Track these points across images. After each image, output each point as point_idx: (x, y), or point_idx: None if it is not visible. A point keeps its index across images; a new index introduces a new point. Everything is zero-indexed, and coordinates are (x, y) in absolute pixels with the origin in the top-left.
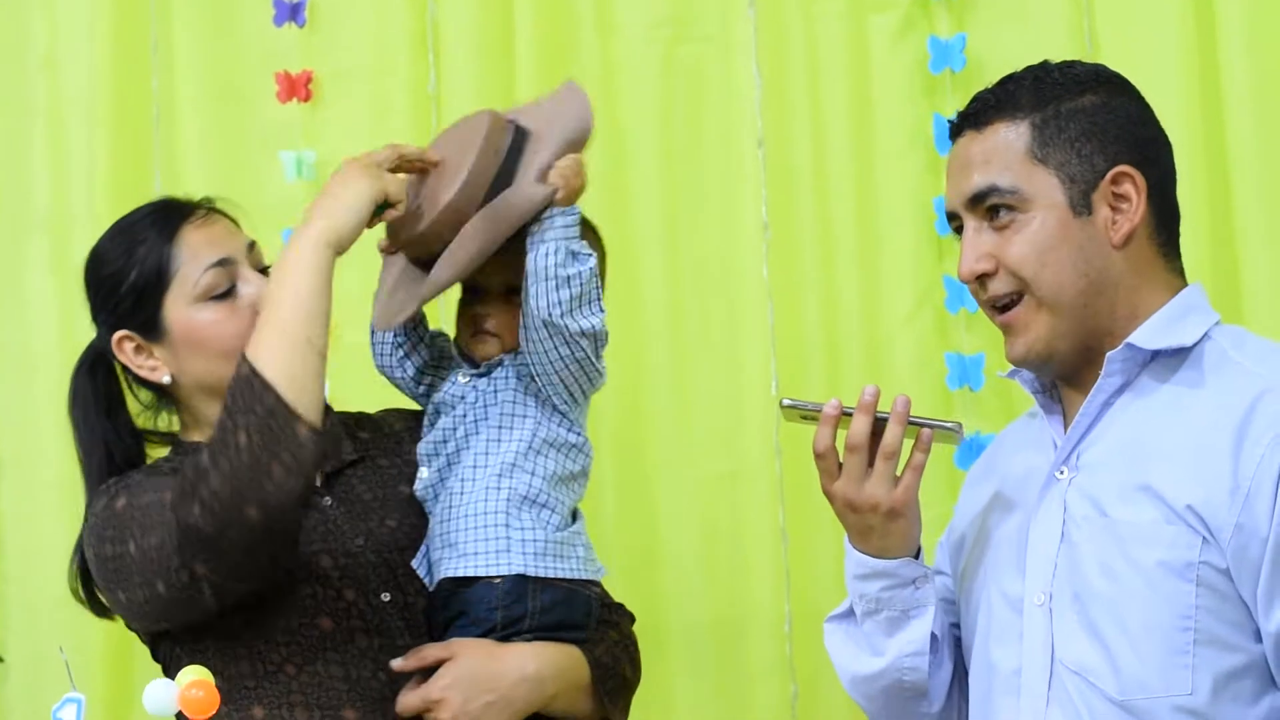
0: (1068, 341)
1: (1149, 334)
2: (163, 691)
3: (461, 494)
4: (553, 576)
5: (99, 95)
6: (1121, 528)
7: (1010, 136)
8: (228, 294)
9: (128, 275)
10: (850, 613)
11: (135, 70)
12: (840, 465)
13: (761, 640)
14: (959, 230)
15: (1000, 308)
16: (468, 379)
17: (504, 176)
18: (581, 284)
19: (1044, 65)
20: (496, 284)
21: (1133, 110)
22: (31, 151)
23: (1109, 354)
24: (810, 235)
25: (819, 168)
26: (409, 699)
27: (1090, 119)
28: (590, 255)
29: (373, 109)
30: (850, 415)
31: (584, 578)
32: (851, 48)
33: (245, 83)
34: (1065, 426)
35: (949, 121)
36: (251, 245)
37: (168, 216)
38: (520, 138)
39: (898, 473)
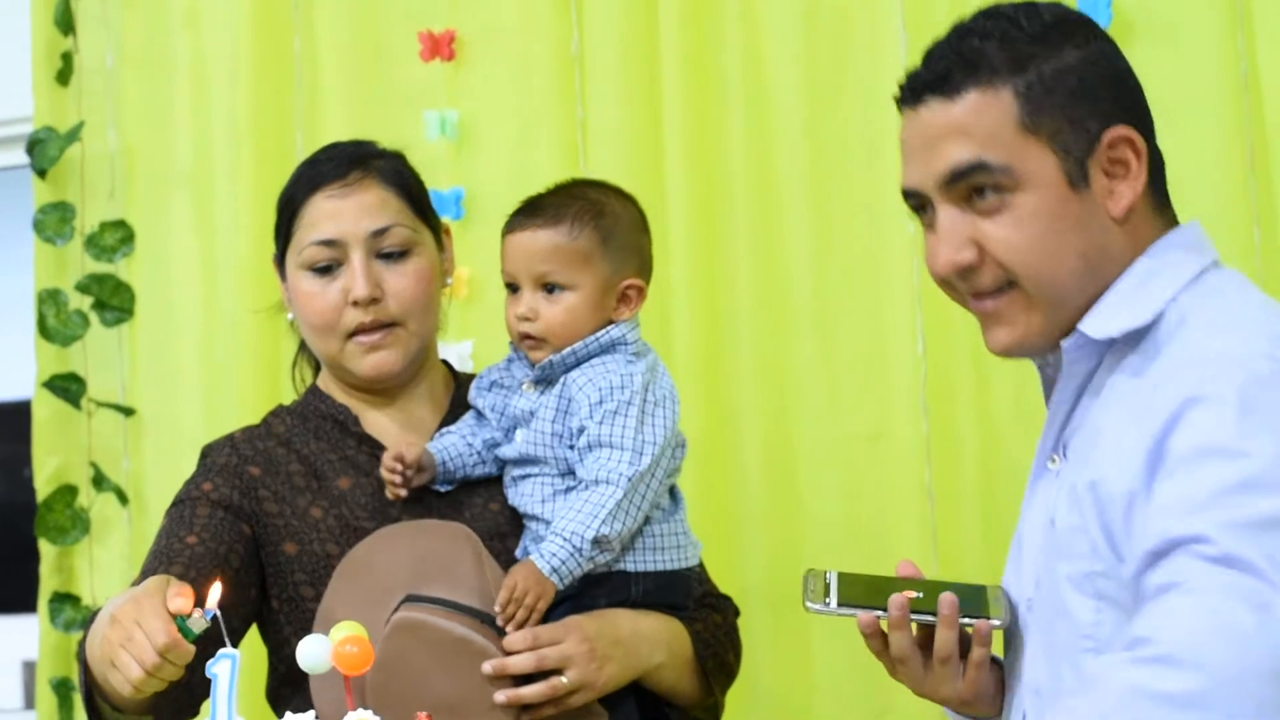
0: (1060, 330)
1: (1101, 318)
2: (317, 647)
3: (553, 496)
4: (652, 570)
5: (241, 54)
6: (1058, 535)
7: (993, 105)
8: (328, 270)
9: (279, 209)
10: None
11: (277, 29)
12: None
13: None
14: (919, 210)
15: (981, 294)
16: (531, 388)
17: None
18: (607, 548)
19: (1000, 13)
20: (529, 280)
21: (1114, 58)
22: (174, 110)
23: (1064, 344)
24: None
25: None
26: (525, 660)
27: (1078, 78)
28: (600, 539)
29: (515, 68)
30: (873, 608)
31: (683, 567)
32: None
33: (388, 41)
34: None
35: (900, 85)
36: (384, 230)
37: (319, 174)
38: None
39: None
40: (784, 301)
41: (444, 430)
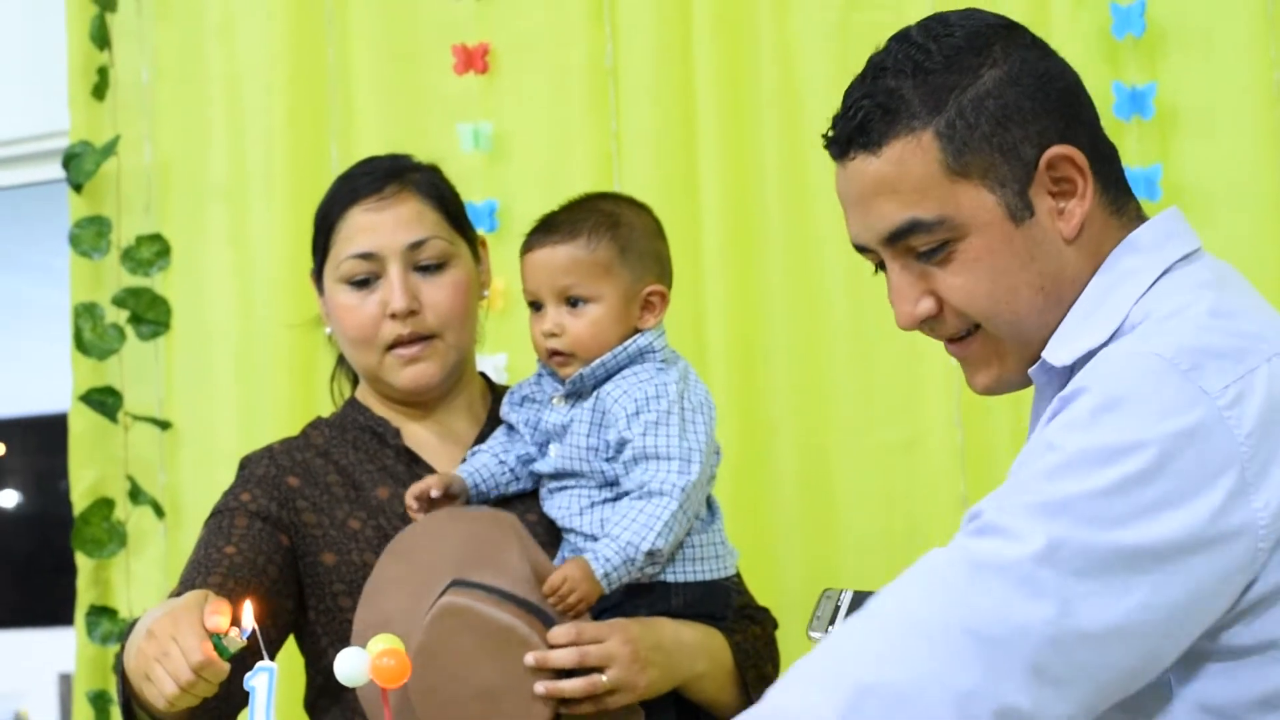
0: (1033, 361)
1: (1061, 345)
2: (355, 659)
3: (591, 508)
4: (692, 580)
5: (276, 66)
6: None
7: (916, 154)
8: (365, 283)
9: (316, 223)
10: None
11: (312, 42)
12: None
13: None
14: (874, 261)
15: (952, 339)
16: (562, 402)
17: None
18: (658, 560)
19: (911, 41)
20: (552, 296)
21: (1037, 63)
22: (209, 124)
23: (1030, 372)
24: None
25: None
26: (567, 654)
27: (1000, 102)
28: (654, 552)
29: (549, 81)
30: None
31: (722, 577)
32: (1032, 13)
33: (422, 54)
34: None
35: (824, 136)
36: (421, 243)
37: (355, 188)
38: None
39: None
40: (818, 311)
41: (475, 449)
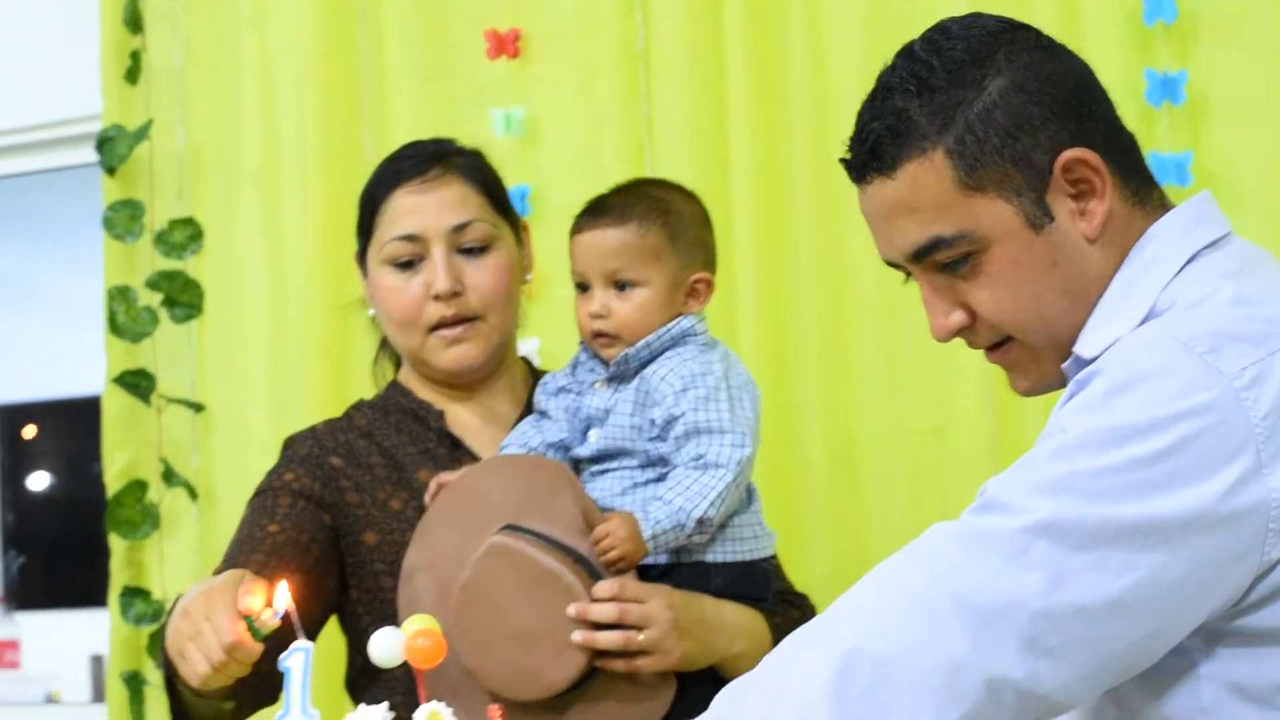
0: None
1: (1090, 334)
2: (390, 640)
3: (634, 489)
4: (731, 561)
5: (308, 53)
6: None
7: (929, 174)
8: (409, 265)
9: (360, 206)
10: None
11: (344, 27)
12: None
13: None
14: (897, 268)
15: (988, 348)
16: (605, 386)
17: None
18: (707, 529)
19: (915, 57)
20: (601, 278)
21: (1041, 65)
22: (241, 108)
23: (1063, 367)
24: None
25: None
26: (607, 609)
27: (1007, 112)
28: (705, 520)
29: (581, 66)
30: None
31: (760, 557)
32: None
33: (454, 39)
34: None
35: (841, 161)
36: (465, 225)
37: (399, 170)
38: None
39: None
40: (849, 297)
41: (504, 443)
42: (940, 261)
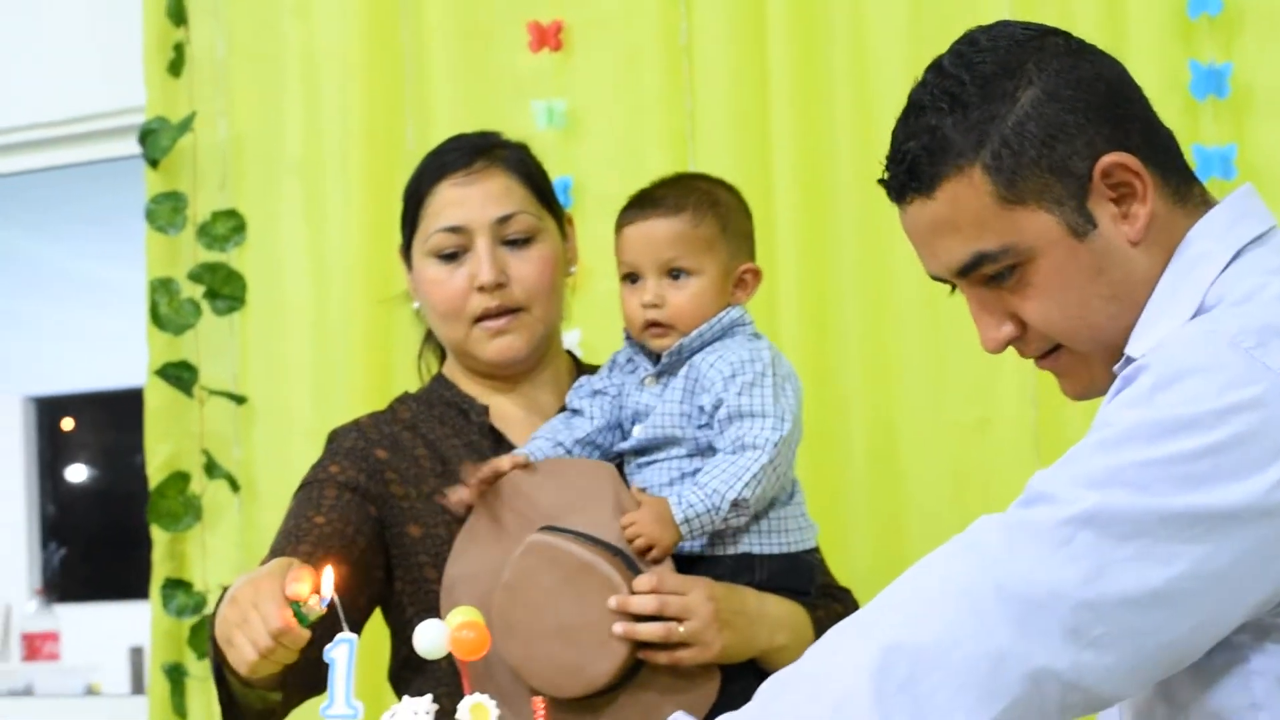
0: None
1: (1140, 334)
2: (434, 632)
3: (681, 479)
4: (776, 553)
5: (351, 44)
6: None
7: (968, 190)
8: (454, 257)
9: (405, 199)
10: None
11: (386, 19)
12: None
13: None
14: (944, 282)
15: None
16: (654, 382)
17: None
18: (743, 511)
19: (945, 73)
20: (654, 268)
21: (1072, 73)
22: (284, 100)
23: (1116, 368)
24: None
25: None
26: (647, 600)
27: (1041, 123)
28: (739, 502)
29: (623, 58)
30: None
31: (804, 549)
32: None
33: (497, 31)
34: None
35: (879, 182)
36: (509, 217)
37: (443, 163)
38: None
39: None
40: (890, 290)
41: (533, 436)
42: (986, 275)
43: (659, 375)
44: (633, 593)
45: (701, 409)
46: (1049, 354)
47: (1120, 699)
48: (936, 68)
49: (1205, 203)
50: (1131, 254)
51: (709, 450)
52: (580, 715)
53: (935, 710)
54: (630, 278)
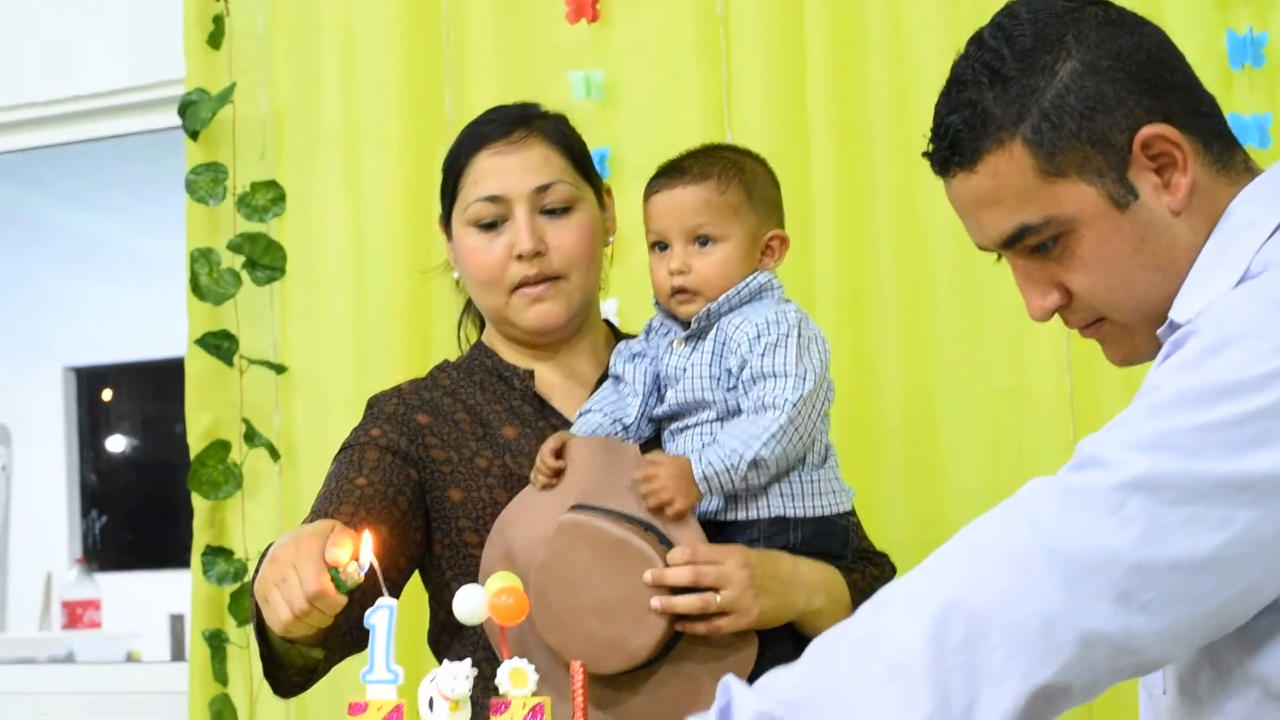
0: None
1: (1185, 300)
2: (474, 596)
3: (713, 443)
4: (810, 515)
5: (390, 16)
6: None
7: (1009, 163)
8: (493, 226)
9: (445, 169)
10: None
11: None
12: None
13: None
14: (990, 251)
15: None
16: (683, 346)
17: None
18: (763, 471)
19: (985, 46)
20: (681, 235)
21: (1111, 44)
22: (323, 72)
23: (1160, 333)
24: None
25: None
26: (682, 572)
27: (1080, 95)
28: (759, 461)
29: (660, 29)
30: None
31: (838, 512)
32: None
33: (534, 3)
34: None
35: (924, 155)
36: (547, 186)
37: (482, 133)
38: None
39: None
40: (926, 258)
41: (585, 409)
42: (1030, 246)
43: (687, 340)
44: (667, 565)
45: (729, 371)
46: (1093, 325)
47: (1168, 662)
48: (977, 40)
49: (1249, 170)
50: (1173, 223)
51: (738, 413)
52: (622, 689)
53: (991, 672)
54: (658, 245)
